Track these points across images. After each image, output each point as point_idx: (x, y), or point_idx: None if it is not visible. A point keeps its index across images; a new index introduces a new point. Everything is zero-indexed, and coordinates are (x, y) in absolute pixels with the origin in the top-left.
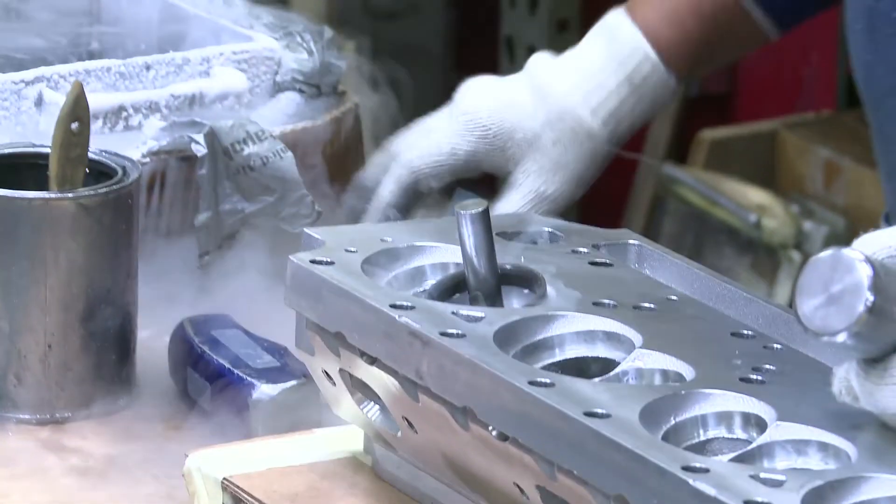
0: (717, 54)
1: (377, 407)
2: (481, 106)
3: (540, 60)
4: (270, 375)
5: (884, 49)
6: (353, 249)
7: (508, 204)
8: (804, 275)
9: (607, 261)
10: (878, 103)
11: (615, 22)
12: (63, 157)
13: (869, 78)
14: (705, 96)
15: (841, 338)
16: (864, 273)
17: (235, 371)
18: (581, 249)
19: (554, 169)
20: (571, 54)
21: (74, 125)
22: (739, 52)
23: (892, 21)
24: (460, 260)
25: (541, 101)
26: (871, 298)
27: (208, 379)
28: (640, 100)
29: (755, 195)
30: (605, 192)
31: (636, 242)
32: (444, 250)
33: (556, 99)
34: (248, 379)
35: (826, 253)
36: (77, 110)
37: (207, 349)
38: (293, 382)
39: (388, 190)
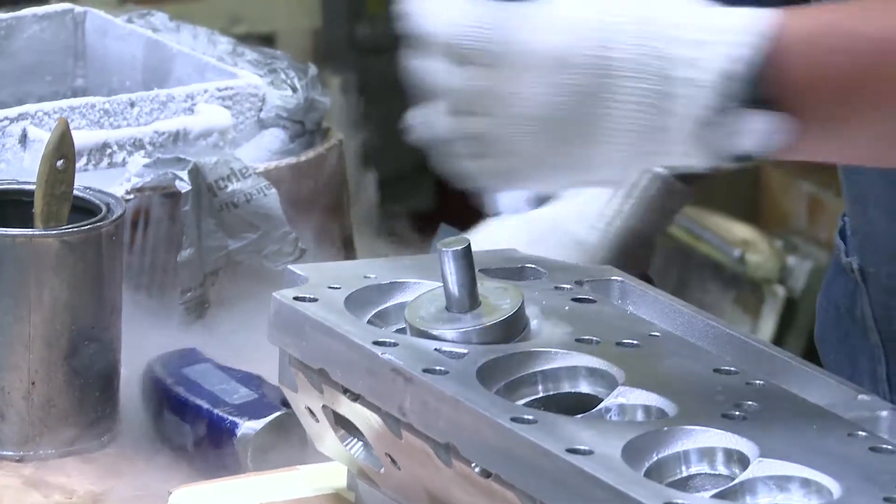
0: None
1: (360, 443)
2: None
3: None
4: (251, 410)
5: None
6: (336, 286)
7: None
8: None
9: (591, 297)
10: None
11: None
12: (48, 194)
13: None
14: None
15: None
16: None
17: (215, 411)
18: (565, 286)
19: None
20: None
21: (60, 162)
22: None
23: None
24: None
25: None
26: None
27: (187, 421)
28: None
29: (739, 230)
30: None
31: (619, 279)
32: (426, 287)
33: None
34: (230, 418)
35: None
36: (62, 147)
37: (182, 390)
38: (276, 414)
39: None
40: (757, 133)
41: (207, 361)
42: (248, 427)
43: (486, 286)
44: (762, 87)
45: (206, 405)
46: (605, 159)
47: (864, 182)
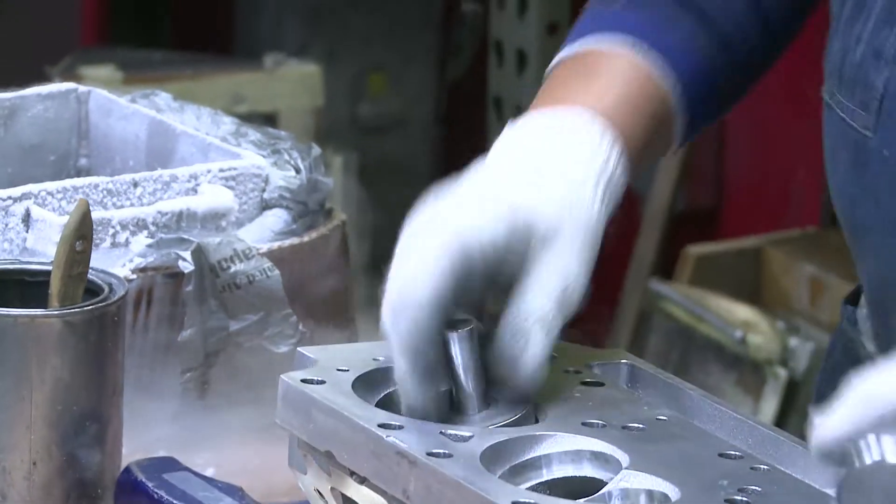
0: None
1: None
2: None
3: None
4: None
5: (872, 186)
6: (344, 368)
7: (532, 299)
8: (849, 487)
9: (599, 380)
10: (860, 237)
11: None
12: (66, 275)
13: (851, 211)
14: (691, 211)
15: None
16: None
17: None
18: (573, 369)
19: (573, 265)
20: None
21: (79, 243)
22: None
23: (884, 159)
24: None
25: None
26: None
27: None
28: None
29: (741, 311)
30: (591, 309)
31: (628, 362)
32: None
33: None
34: None
35: (876, 464)
36: (82, 228)
37: (164, 493)
38: None
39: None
40: None
41: (187, 470)
42: None
43: None
44: None
45: None
46: None
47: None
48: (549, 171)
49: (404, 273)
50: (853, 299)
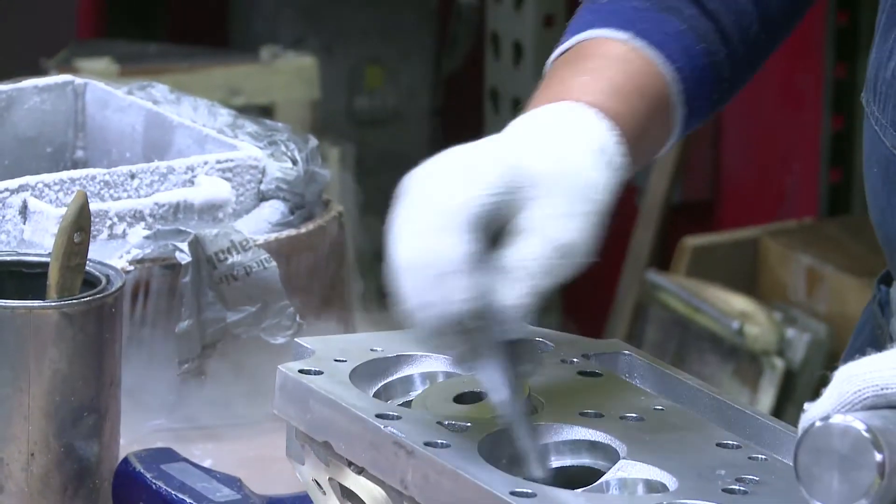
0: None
1: None
2: (513, 141)
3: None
4: None
5: None
6: (342, 359)
7: (526, 249)
8: (804, 447)
9: (597, 371)
10: (890, 246)
11: (577, 114)
12: (64, 267)
13: (883, 223)
14: (688, 203)
15: None
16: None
17: None
18: (571, 359)
19: (568, 216)
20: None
21: (77, 235)
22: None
23: None
24: (448, 369)
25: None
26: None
27: None
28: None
29: (738, 302)
30: (589, 299)
31: (627, 352)
32: (432, 359)
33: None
34: None
35: (823, 424)
36: (80, 220)
37: (162, 484)
38: None
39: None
40: None
41: (185, 461)
42: None
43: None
44: None
45: (189, 500)
46: None
47: None
48: (545, 146)
49: (428, 244)
50: (887, 280)
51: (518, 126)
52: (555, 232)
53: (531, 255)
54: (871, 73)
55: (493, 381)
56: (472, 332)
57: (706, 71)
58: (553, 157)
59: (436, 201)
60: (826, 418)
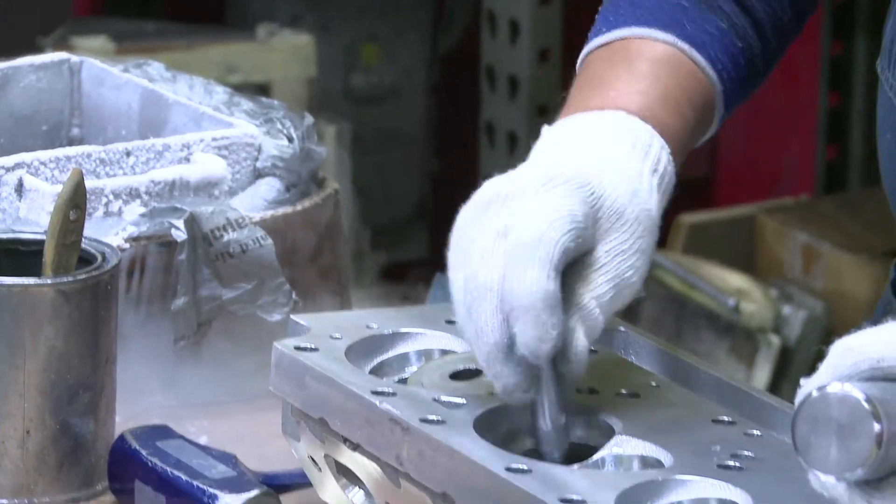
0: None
1: (361, 492)
2: (583, 163)
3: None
4: (230, 485)
5: None
6: (338, 336)
7: (600, 288)
8: (802, 416)
9: (593, 347)
10: None
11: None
12: (59, 244)
13: (895, 187)
14: (684, 180)
15: (856, 476)
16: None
17: (194, 482)
18: None
19: (636, 252)
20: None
21: (73, 212)
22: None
23: None
24: (444, 346)
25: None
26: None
27: (162, 491)
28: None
29: (734, 279)
30: None
31: (622, 329)
32: (428, 337)
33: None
34: (210, 490)
35: (821, 393)
36: (76, 198)
37: (158, 461)
38: (255, 492)
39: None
40: None
41: (181, 438)
42: (227, 501)
43: None
44: None
45: (184, 476)
46: None
47: None
48: (617, 176)
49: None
50: None
51: (578, 138)
52: (623, 269)
53: (605, 293)
54: (886, 40)
55: (544, 414)
56: (533, 366)
57: (744, 70)
58: (627, 192)
59: (520, 232)
60: (823, 387)
